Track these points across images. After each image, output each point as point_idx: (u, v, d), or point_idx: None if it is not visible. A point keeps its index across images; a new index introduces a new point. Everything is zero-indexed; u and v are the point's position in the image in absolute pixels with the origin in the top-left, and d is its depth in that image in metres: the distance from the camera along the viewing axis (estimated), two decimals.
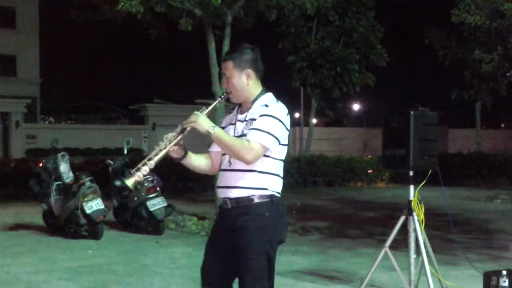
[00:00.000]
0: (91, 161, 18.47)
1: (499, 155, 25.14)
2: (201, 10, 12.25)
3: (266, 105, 3.78)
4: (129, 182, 3.57)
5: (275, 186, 3.83)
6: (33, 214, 12.55)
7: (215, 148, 3.96)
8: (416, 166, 5.95)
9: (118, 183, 11.66)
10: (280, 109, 3.78)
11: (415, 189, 6.02)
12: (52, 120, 44.31)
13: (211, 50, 12.78)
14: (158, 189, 11.13)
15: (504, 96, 27.40)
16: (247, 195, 3.77)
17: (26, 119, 30.33)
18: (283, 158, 3.88)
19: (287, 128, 3.80)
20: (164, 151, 3.71)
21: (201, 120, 3.70)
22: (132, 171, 3.64)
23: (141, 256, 9.14)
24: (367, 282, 6.18)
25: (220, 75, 12.51)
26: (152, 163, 3.67)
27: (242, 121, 3.84)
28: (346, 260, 8.85)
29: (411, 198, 5.97)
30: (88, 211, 10.28)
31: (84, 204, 10.30)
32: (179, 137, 3.75)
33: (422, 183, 6.04)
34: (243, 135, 3.78)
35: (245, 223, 3.76)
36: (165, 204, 11.03)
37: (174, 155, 3.82)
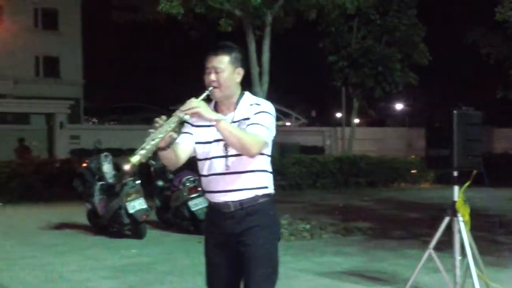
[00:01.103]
0: None
1: None
2: (241, 10, 12.27)
3: (257, 104, 3.74)
4: (134, 159, 3.40)
5: (271, 183, 3.83)
6: (78, 213, 12.71)
7: (186, 145, 3.79)
8: (460, 166, 5.86)
9: (160, 183, 11.78)
10: (271, 106, 3.76)
11: (459, 190, 5.93)
12: (95, 121, 44.85)
13: (251, 50, 12.78)
14: (199, 189, 11.17)
15: None
16: (252, 196, 3.72)
17: (70, 120, 30.74)
18: (270, 154, 3.84)
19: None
20: (163, 135, 3.47)
21: (206, 107, 3.54)
22: (136, 152, 3.45)
23: (183, 255, 9.19)
24: (411, 283, 6.11)
25: (260, 75, 12.53)
26: (153, 143, 3.45)
27: (233, 122, 3.71)
28: (390, 261, 8.76)
29: (456, 198, 5.89)
30: (131, 211, 10.37)
31: (127, 203, 10.40)
32: (174, 125, 3.51)
33: (467, 184, 5.94)
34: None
35: (253, 223, 3.71)
36: (207, 204, 11.03)
37: (162, 144, 3.55)
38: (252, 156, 3.61)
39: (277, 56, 13.44)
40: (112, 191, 10.87)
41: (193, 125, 3.79)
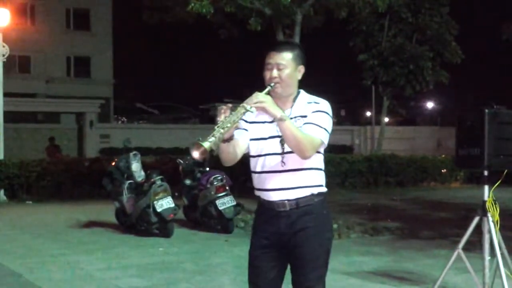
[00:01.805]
0: (162, 160, 18.73)
1: None
2: (271, 9, 12.24)
3: (316, 102, 3.70)
4: (206, 144, 3.33)
5: (324, 182, 3.80)
6: (106, 212, 12.79)
7: (243, 141, 3.73)
8: (491, 166, 5.77)
9: (188, 181, 11.79)
10: (329, 105, 3.73)
11: (490, 189, 5.84)
12: (125, 120, 45.19)
13: None
14: (227, 188, 11.18)
15: None
16: (308, 194, 3.68)
17: (100, 119, 31.05)
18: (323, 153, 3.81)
19: None
20: (231, 125, 3.44)
21: (272, 102, 3.50)
22: (207, 139, 3.37)
23: (210, 254, 9.18)
24: (439, 284, 6.03)
25: None
26: (222, 132, 3.40)
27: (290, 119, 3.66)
28: (418, 261, 8.67)
29: (486, 198, 5.80)
30: (159, 209, 10.40)
31: (155, 202, 10.43)
32: (242, 116, 3.49)
33: (497, 183, 5.85)
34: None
35: (307, 224, 3.67)
36: (234, 203, 11.05)
37: (227, 135, 3.50)
38: (305, 158, 3.58)
39: (306, 55, 13.41)
40: (140, 190, 10.91)
41: (247, 122, 3.74)
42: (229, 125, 3.42)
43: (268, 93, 3.60)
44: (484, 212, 5.77)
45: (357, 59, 24.73)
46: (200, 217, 11.42)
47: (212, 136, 3.36)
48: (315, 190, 3.70)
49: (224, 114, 3.47)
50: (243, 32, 15.44)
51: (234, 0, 12.16)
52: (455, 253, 5.87)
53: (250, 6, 12.23)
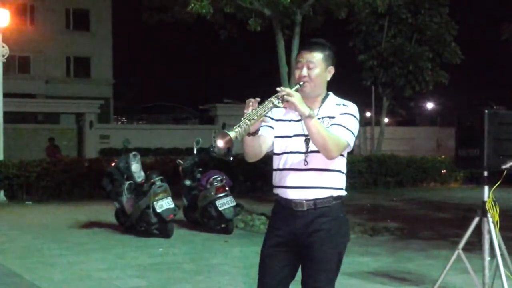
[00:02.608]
0: (162, 160, 18.72)
1: None
2: (270, 9, 12.24)
3: (344, 105, 3.72)
4: (232, 133, 3.33)
5: (345, 185, 3.82)
6: (106, 212, 12.80)
7: (267, 137, 3.73)
8: (491, 166, 5.77)
9: (188, 182, 11.79)
10: (356, 109, 3.75)
11: (489, 190, 5.84)
12: (125, 120, 45.18)
13: (280, 49, 12.76)
14: (227, 188, 11.17)
15: None
16: (327, 196, 3.70)
17: (99, 119, 31.02)
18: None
19: None
20: (258, 118, 3.42)
21: (300, 100, 3.47)
22: (232, 128, 3.37)
23: (210, 255, 9.18)
24: (439, 284, 6.02)
25: (289, 74, 12.48)
26: (248, 124, 3.38)
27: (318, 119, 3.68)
28: (418, 262, 8.67)
29: (485, 199, 5.80)
30: (158, 210, 10.41)
31: (154, 203, 10.43)
32: (269, 110, 3.47)
33: (497, 184, 5.85)
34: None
35: (323, 226, 3.68)
36: (234, 204, 11.05)
37: (253, 128, 3.49)
38: (330, 158, 3.59)
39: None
40: (140, 190, 10.91)
41: (273, 119, 3.74)
42: (255, 117, 3.40)
43: (297, 91, 3.57)
44: (484, 213, 5.76)
45: (357, 59, 24.71)
46: (200, 217, 11.42)
47: (238, 126, 3.35)
48: (335, 193, 3.72)
49: (251, 107, 3.43)
50: (242, 33, 15.43)
51: (234, 1, 12.16)
52: (455, 254, 5.86)
53: (249, 7, 12.22)
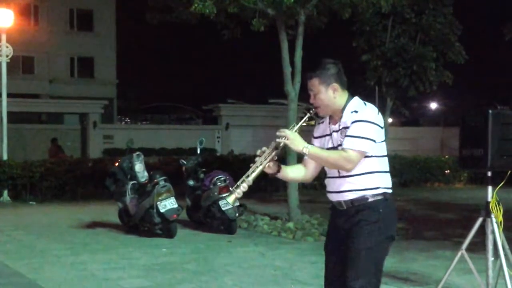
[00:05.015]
0: (166, 161, 18.73)
1: None
2: (274, 9, 12.22)
3: (355, 111, 3.91)
4: (230, 199, 3.84)
5: (385, 182, 4.03)
6: (109, 212, 12.81)
7: (311, 164, 4.14)
8: (495, 167, 5.75)
9: (191, 182, 11.80)
10: (369, 112, 3.92)
11: (493, 190, 5.83)
12: (128, 120, 45.21)
13: (283, 49, 12.73)
14: (230, 188, 11.13)
15: None
16: (360, 196, 3.95)
17: (103, 119, 31.03)
18: (385, 153, 4.05)
19: (380, 126, 3.96)
20: (260, 168, 3.85)
21: (294, 138, 3.83)
22: (231, 189, 3.87)
23: (213, 255, 9.18)
24: (442, 284, 6.01)
25: (293, 74, 12.49)
26: (250, 180, 3.82)
27: (337, 131, 3.99)
28: (421, 262, 8.66)
29: (489, 199, 5.78)
30: (162, 210, 10.41)
31: (158, 203, 10.43)
32: (273, 154, 3.88)
33: (501, 184, 5.83)
34: (340, 144, 3.95)
35: (361, 217, 3.93)
36: (238, 204, 11.05)
37: (269, 171, 3.95)
38: (348, 170, 3.89)
39: (310, 56, 13.38)
40: (143, 191, 10.92)
41: (315, 137, 4.16)
42: (261, 166, 3.85)
43: (311, 117, 4.01)
44: (487, 213, 5.75)
45: (360, 59, 24.66)
46: (203, 217, 11.43)
47: (237, 187, 3.83)
48: (369, 192, 3.97)
49: (258, 157, 3.88)
50: (246, 33, 15.42)
51: (238, 1, 12.15)
52: (459, 254, 5.86)
53: (253, 7, 12.21)
